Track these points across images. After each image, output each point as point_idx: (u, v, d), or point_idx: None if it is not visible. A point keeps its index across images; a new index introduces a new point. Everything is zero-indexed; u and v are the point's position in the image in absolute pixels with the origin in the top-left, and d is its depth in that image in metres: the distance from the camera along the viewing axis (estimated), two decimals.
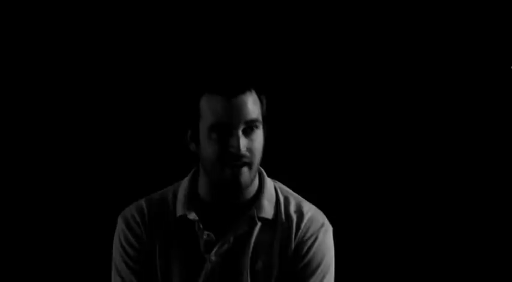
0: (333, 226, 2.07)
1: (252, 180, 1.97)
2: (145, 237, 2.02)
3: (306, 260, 2.00)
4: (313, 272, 2.00)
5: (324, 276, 2.01)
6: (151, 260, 2.02)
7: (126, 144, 3.09)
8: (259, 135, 1.95)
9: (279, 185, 2.11)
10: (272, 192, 2.06)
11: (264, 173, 2.08)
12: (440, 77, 3.06)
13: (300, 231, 2.02)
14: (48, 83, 3.06)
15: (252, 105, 1.92)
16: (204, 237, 1.98)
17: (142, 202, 2.08)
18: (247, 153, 1.91)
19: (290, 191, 2.11)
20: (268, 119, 2.03)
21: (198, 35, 3.05)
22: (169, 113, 2.92)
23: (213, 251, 1.98)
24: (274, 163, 2.18)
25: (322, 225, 2.05)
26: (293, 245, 2.00)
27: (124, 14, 3.04)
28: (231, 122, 1.90)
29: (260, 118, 1.95)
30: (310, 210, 2.06)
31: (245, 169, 1.92)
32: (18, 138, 3.06)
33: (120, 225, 2.05)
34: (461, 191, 3.07)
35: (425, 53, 3.05)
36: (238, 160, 1.90)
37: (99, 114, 3.08)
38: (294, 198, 2.08)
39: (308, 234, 2.02)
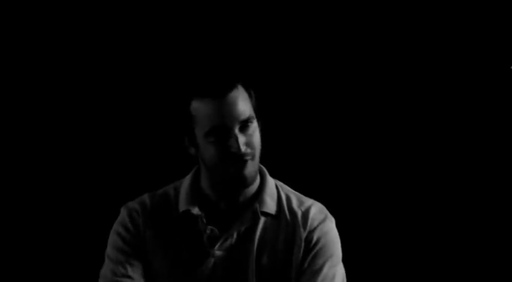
0: None
1: (256, 172, 1.98)
2: (142, 227, 2.02)
3: (315, 251, 2.01)
4: (324, 262, 2.01)
5: (336, 266, 2.03)
6: (146, 249, 2.01)
7: (126, 145, 3.08)
8: (255, 129, 1.95)
9: (280, 183, 2.13)
10: (273, 189, 2.08)
11: (266, 171, 2.10)
12: (440, 77, 3.06)
13: (308, 223, 2.03)
14: (46, 87, 3.06)
15: (243, 103, 1.93)
16: (208, 232, 1.98)
17: (146, 197, 2.09)
18: (248, 150, 1.92)
19: (290, 189, 2.13)
20: (266, 116, 2.04)
21: (177, 40, 3.05)
22: (167, 116, 2.92)
23: (217, 246, 1.98)
24: (274, 163, 2.19)
25: (327, 217, 2.07)
26: (303, 237, 2.01)
27: (110, 26, 3.05)
28: (226, 124, 1.90)
29: (253, 113, 1.96)
30: (313, 204, 2.08)
31: (248, 162, 1.93)
32: (18, 139, 3.05)
33: (122, 214, 2.07)
34: (461, 191, 3.07)
35: (425, 53, 3.06)
36: (240, 158, 1.91)
37: (98, 115, 3.08)
38: (295, 195, 2.11)
39: (315, 226, 2.03)
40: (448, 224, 3.08)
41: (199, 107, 1.92)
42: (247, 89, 1.97)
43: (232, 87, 1.93)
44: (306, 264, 2.00)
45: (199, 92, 1.93)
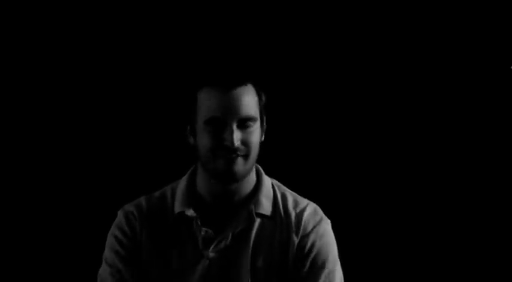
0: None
1: (247, 172, 1.97)
2: (139, 230, 2.03)
3: (312, 255, 2.01)
4: (321, 267, 2.01)
5: (333, 270, 2.03)
6: (142, 252, 2.02)
7: (126, 144, 3.08)
8: (255, 130, 1.95)
9: (276, 182, 2.12)
10: (269, 189, 2.08)
11: (262, 171, 2.10)
12: (441, 77, 3.06)
13: (301, 227, 2.02)
14: (49, 82, 3.06)
15: (248, 101, 1.93)
16: (202, 233, 1.98)
17: (142, 199, 2.09)
18: (242, 146, 1.92)
19: (287, 189, 2.13)
20: (268, 116, 2.04)
21: (198, 30, 3.04)
22: (169, 112, 2.93)
23: (211, 247, 1.98)
24: (273, 162, 2.19)
25: (322, 219, 2.06)
26: (295, 242, 2.01)
27: (123, 11, 3.04)
28: (226, 117, 1.91)
29: (257, 114, 1.96)
30: (308, 205, 2.07)
31: (240, 160, 1.93)
32: (18, 138, 3.05)
33: (119, 218, 2.07)
34: (460, 192, 3.07)
35: (426, 53, 3.05)
36: (232, 153, 1.91)
37: (98, 113, 3.08)
38: (291, 194, 2.10)
39: (309, 230, 2.03)
40: (446, 225, 3.07)
41: (204, 96, 1.94)
42: (258, 90, 1.98)
43: (240, 83, 1.93)
44: (304, 270, 2.00)
45: (208, 81, 1.94)
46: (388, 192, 3.08)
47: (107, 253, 2.05)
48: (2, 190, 3.05)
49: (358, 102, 3.09)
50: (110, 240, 2.06)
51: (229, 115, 1.91)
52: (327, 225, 2.06)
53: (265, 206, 2.03)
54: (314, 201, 2.12)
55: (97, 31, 3.04)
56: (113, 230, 2.06)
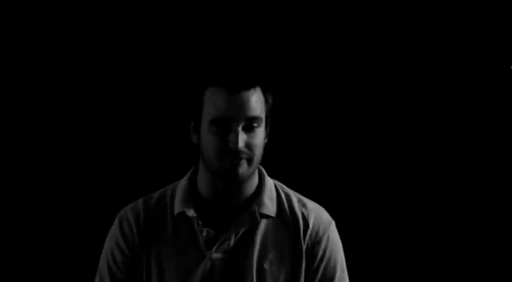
0: None
1: (250, 175, 1.96)
2: (137, 242, 2.01)
3: (323, 265, 2.02)
4: (333, 276, 2.02)
5: (343, 272, 2.05)
6: (139, 266, 2.01)
7: (127, 144, 3.08)
8: (259, 133, 1.94)
9: (279, 183, 2.12)
10: (273, 190, 2.07)
11: (264, 172, 2.08)
12: (441, 77, 3.06)
13: (309, 230, 2.02)
14: (49, 79, 3.05)
15: (255, 103, 1.92)
16: (204, 234, 1.97)
17: (140, 202, 2.07)
18: (246, 149, 1.91)
19: (289, 189, 2.12)
20: (273, 118, 2.04)
21: (208, 30, 3.03)
22: (172, 112, 2.92)
23: (214, 248, 1.97)
24: (275, 163, 2.19)
25: (330, 223, 2.07)
26: (304, 245, 2.01)
27: (133, 5, 3.03)
28: (231, 117, 1.90)
29: (262, 116, 1.95)
30: (314, 207, 2.07)
31: (244, 162, 1.92)
32: (18, 138, 3.05)
33: (114, 226, 2.05)
34: (465, 192, 3.07)
35: (426, 53, 3.05)
36: (236, 155, 1.90)
37: (101, 113, 3.08)
38: (295, 194, 2.09)
39: (320, 236, 2.03)
40: (450, 227, 3.07)
41: (211, 95, 1.92)
42: (265, 94, 1.97)
43: (249, 86, 1.93)
44: (317, 277, 2.01)
45: (216, 81, 1.93)
46: (390, 194, 3.08)
47: (102, 268, 2.04)
48: (1, 190, 3.05)
49: (362, 105, 3.08)
50: (105, 247, 2.06)
51: (235, 116, 1.90)
52: (334, 229, 2.07)
53: (269, 207, 2.02)
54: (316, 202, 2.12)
55: (105, 28, 3.03)
56: (109, 238, 2.05)
